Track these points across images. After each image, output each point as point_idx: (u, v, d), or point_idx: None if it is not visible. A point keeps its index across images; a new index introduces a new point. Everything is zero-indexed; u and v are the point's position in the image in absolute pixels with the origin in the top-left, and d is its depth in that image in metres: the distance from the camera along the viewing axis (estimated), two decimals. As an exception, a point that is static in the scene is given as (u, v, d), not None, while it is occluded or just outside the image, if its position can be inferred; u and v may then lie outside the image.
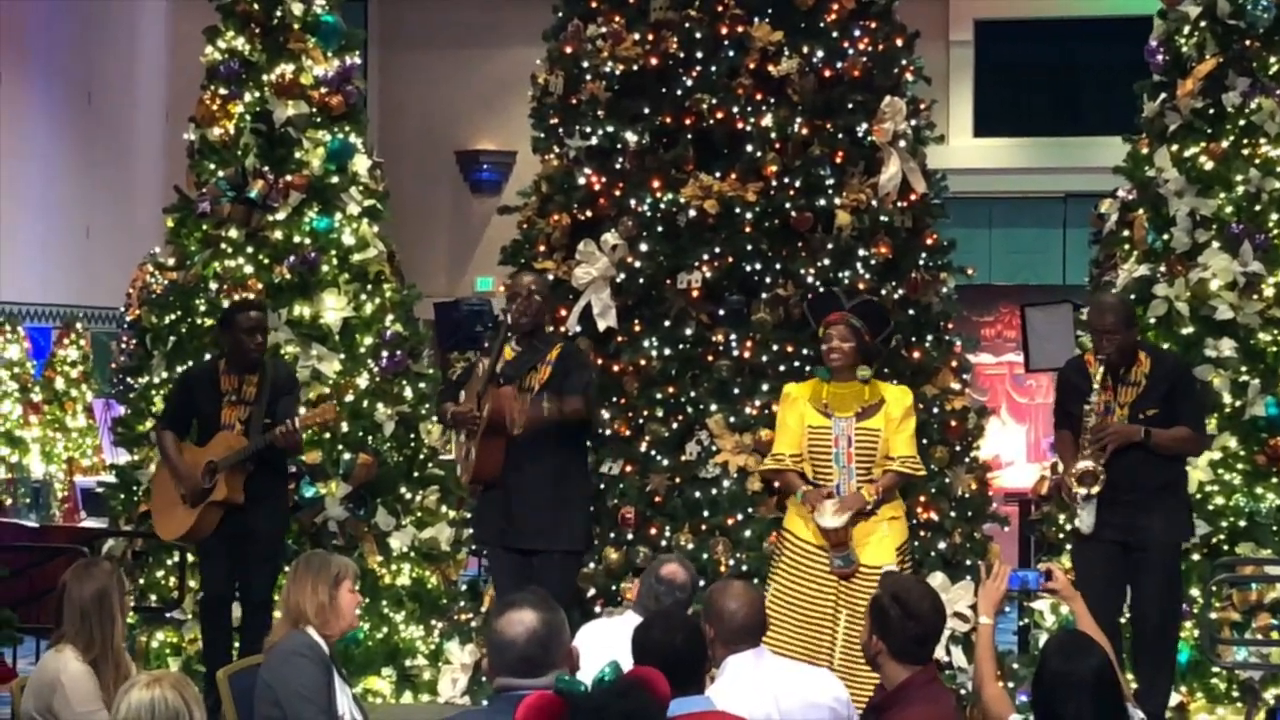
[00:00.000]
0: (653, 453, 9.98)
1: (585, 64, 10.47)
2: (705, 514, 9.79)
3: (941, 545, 9.85)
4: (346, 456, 10.59)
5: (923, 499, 9.83)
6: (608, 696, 3.62)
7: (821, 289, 9.77)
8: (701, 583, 8.86)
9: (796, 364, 9.76)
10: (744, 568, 9.47)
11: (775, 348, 9.92)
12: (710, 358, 10.06)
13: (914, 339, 10.22)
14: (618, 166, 10.33)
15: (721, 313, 10.12)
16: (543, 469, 8.90)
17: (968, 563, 9.82)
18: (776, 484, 9.26)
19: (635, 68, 10.30)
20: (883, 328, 8.83)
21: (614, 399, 10.09)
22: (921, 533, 9.81)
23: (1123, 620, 8.87)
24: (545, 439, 8.89)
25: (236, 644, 9.60)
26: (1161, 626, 8.81)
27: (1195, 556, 9.93)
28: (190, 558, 10.25)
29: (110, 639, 6.66)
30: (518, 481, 8.95)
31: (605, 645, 5.96)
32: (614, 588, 9.68)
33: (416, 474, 10.98)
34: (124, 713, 4.79)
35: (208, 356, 10.35)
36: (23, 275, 18.27)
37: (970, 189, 16.88)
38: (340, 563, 6.83)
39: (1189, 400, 8.90)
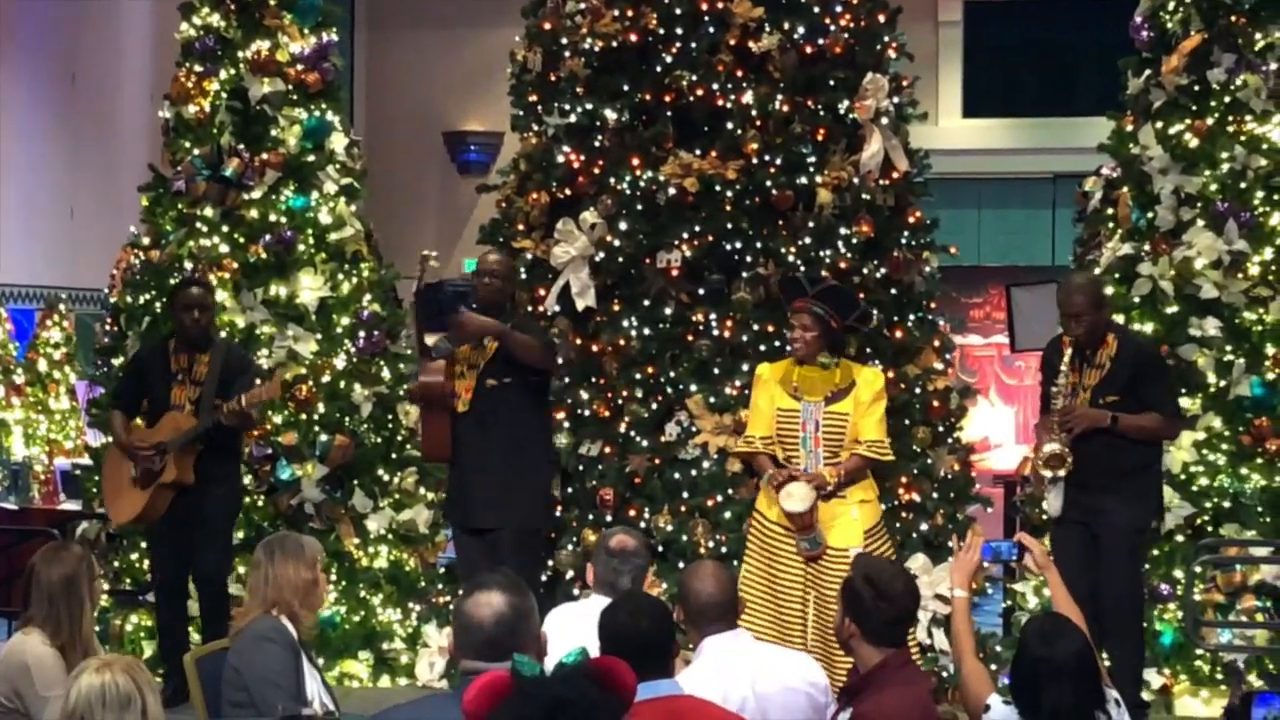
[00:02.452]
0: (632, 433, 9.90)
1: (564, 41, 10.38)
2: (685, 495, 9.71)
3: (923, 526, 9.77)
4: (323, 438, 10.52)
5: (904, 480, 9.75)
6: (550, 682, 3.51)
7: (802, 267, 9.69)
8: (681, 564, 8.87)
9: (777, 344, 9.65)
10: (724, 549, 9.38)
11: (756, 327, 9.83)
12: (690, 337, 9.97)
13: (896, 318, 10.12)
14: (597, 144, 10.24)
15: (701, 292, 10.04)
16: (493, 444, 8.85)
17: (949, 544, 9.74)
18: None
19: (615, 44, 10.21)
20: (851, 311, 8.72)
21: (593, 379, 10.00)
22: (903, 514, 9.74)
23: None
24: (497, 411, 8.86)
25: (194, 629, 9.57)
26: (1122, 611, 8.69)
27: (1179, 538, 9.87)
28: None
29: (78, 624, 6.60)
30: (469, 458, 8.92)
31: (573, 630, 5.89)
32: (592, 570, 9.59)
33: (394, 455, 10.91)
34: (74, 698, 4.71)
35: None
36: (5, 257, 18.14)
37: (959, 170, 16.79)
38: (312, 543, 6.77)
39: (1158, 385, 8.75)
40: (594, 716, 3.48)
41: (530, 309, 10.03)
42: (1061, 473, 8.49)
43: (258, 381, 9.48)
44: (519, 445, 8.91)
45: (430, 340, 9.11)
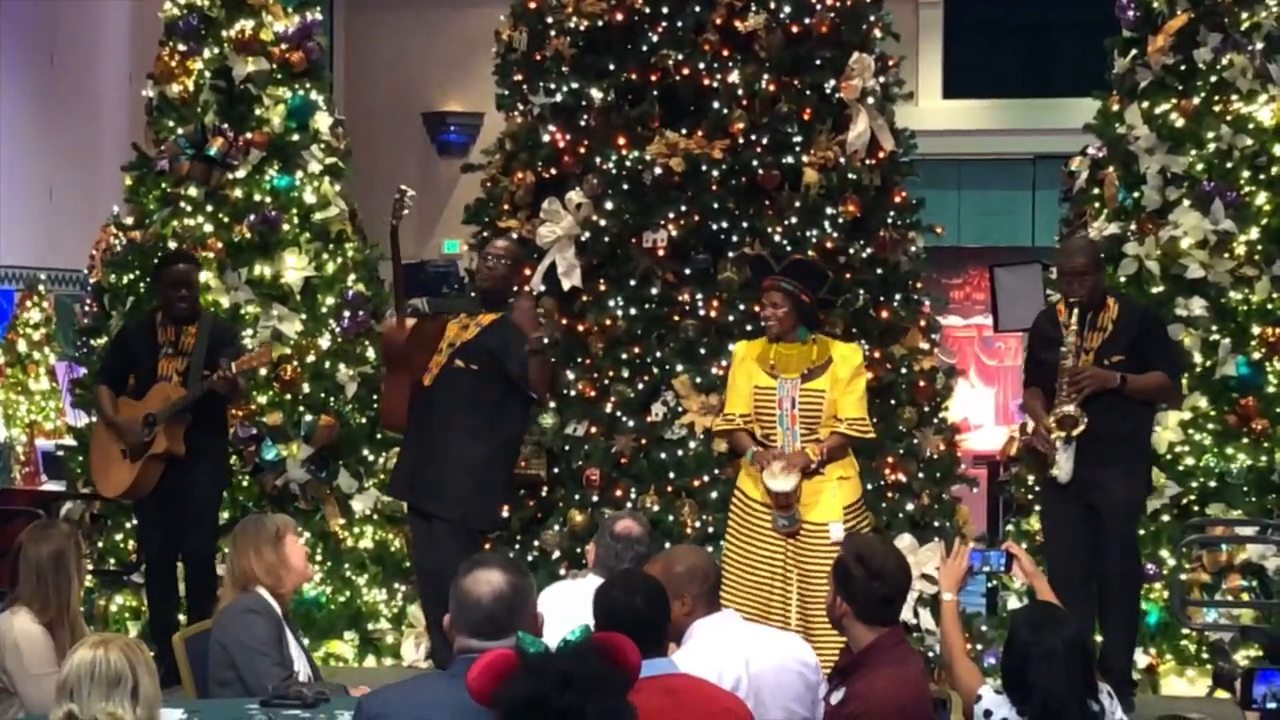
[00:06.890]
0: (618, 414, 9.88)
1: (550, 20, 10.35)
2: (671, 475, 9.69)
3: (910, 507, 9.77)
4: (308, 418, 10.49)
5: (890, 460, 9.75)
6: (557, 657, 3.51)
7: (789, 247, 9.68)
8: (667, 545, 8.85)
9: (763, 324, 9.63)
10: (710, 530, 9.37)
11: (742, 307, 9.81)
12: (676, 317, 9.95)
13: (882, 298, 10.12)
14: (583, 124, 10.21)
15: (688, 271, 10.02)
16: (445, 428, 8.71)
17: (936, 524, 9.75)
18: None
19: (600, 23, 10.17)
20: (820, 284, 8.66)
21: (579, 359, 9.99)
22: (889, 494, 9.73)
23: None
24: (458, 395, 8.70)
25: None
26: (1122, 587, 8.75)
27: (1165, 518, 9.88)
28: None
29: (66, 601, 6.61)
30: (419, 435, 8.78)
31: (569, 608, 5.88)
32: (578, 550, 9.57)
33: (379, 436, 10.85)
34: (66, 670, 4.73)
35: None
36: (-17, 238, 18.11)
37: (939, 151, 16.76)
38: (277, 520, 6.81)
39: (1161, 346, 8.85)
40: (600, 690, 3.49)
41: (516, 290, 9.99)
42: (1076, 432, 8.50)
43: (249, 347, 9.52)
44: (472, 436, 8.70)
45: (417, 301, 9.07)
